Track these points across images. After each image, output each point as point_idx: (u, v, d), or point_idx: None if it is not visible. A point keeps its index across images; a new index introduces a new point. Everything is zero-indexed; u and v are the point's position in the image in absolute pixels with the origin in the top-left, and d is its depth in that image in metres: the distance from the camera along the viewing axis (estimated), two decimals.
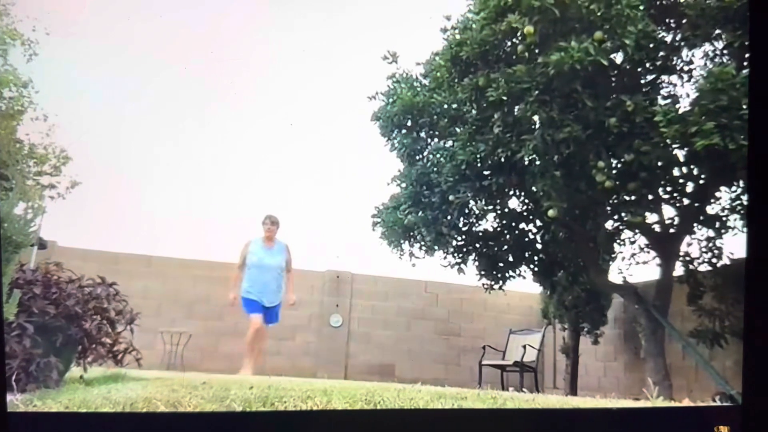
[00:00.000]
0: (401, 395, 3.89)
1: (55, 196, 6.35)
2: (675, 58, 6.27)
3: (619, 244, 7.43)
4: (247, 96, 7.06)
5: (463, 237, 7.61)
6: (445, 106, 7.38)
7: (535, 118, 5.97)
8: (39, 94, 6.00)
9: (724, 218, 6.65)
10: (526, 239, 7.70)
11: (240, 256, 6.70)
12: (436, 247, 7.69)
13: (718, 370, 6.41)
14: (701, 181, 6.33)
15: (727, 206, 6.56)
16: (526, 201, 7.38)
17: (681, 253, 6.98)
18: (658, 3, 6.15)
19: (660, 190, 6.44)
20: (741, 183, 6.04)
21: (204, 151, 7.35)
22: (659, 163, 5.72)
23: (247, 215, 7.60)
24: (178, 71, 6.70)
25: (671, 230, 6.84)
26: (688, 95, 6.15)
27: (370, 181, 8.08)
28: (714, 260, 6.91)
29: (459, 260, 7.78)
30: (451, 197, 6.97)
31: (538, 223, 7.53)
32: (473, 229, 7.60)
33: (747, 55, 5.42)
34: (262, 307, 6.55)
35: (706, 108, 5.23)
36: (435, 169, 7.41)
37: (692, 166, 6.11)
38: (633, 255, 7.51)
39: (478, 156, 6.70)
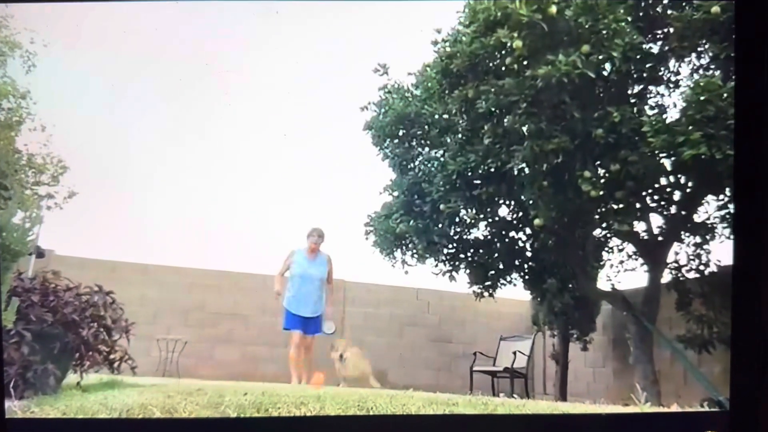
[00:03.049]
0: (394, 401, 3.97)
1: (52, 206, 6.37)
2: (662, 69, 6.37)
3: (607, 251, 7.49)
4: (242, 107, 7.11)
5: (454, 245, 7.69)
6: (436, 116, 7.45)
7: (524, 129, 6.08)
8: (37, 105, 6.05)
9: (711, 226, 6.74)
10: (516, 247, 7.76)
11: (283, 264, 6.79)
12: (427, 255, 7.76)
13: (706, 376, 6.49)
14: (688, 190, 6.41)
15: (714, 215, 6.65)
16: (516, 210, 7.46)
17: (669, 261, 7.07)
18: (645, 15, 6.26)
19: (647, 198, 6.53)
20: (728, 192, 6.14)
21: (199, 161, 7.39)
22: (646, 173, 5.83)
23: (242, 223, 7.64)
24: (174, 82, 6.76)
25: (659, 238, 6.92)
26: (675, 105, 6.26)
27: (362, 190, 8.12)
28: (701, 267, 6.98)
29: (450, 268, 7.84)
30: (442, 206, 7.07)
31: (528, 231, 7.59)
32: (464, 237, 7.68)
33: (733, 67, 5.53)
34: (303, 319, 6.67)
35: (693, 118, 5.35)
36: (426, 178, 7.50)
37: (679, 176, 6.20)
38: (621, 262, 7.54)
39: (469, 166, 6.81)
